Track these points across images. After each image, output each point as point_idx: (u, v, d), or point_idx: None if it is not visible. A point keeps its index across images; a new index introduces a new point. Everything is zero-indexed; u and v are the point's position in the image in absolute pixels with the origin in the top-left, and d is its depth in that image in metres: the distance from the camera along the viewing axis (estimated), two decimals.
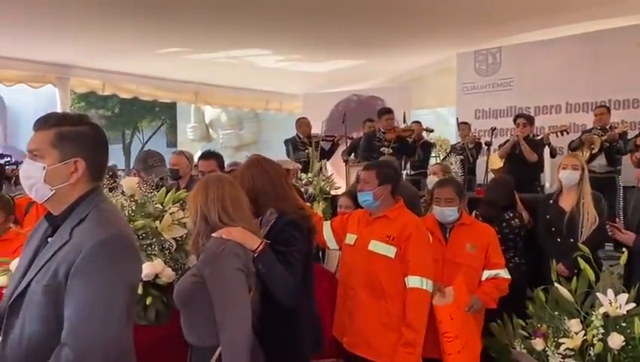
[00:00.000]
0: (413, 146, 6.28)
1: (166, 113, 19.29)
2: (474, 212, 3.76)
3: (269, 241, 2.09)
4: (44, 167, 1.54)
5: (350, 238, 2.76)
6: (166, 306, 2.34)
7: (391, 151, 5.86)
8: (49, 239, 1.61)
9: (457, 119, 7.39)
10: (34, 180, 1.55)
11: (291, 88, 9.47)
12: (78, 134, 1.58)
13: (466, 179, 6.27)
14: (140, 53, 6.62)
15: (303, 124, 6.67)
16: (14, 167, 5.18)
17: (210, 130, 15.90)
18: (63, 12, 5.19)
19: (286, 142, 6.62)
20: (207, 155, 3.85)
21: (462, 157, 6.36)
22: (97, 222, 1.55)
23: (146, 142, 20.91)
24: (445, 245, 2.97)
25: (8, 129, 7.15)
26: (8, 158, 5.17)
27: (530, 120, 5.68)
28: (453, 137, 7.62)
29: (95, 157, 1.61)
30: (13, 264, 2.16)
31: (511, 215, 3.68)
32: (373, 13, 6.02)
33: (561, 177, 3.60)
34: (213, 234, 1.98)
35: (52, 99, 6.98)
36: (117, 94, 7.39)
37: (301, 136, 6.59)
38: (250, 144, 14.63)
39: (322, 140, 6.26)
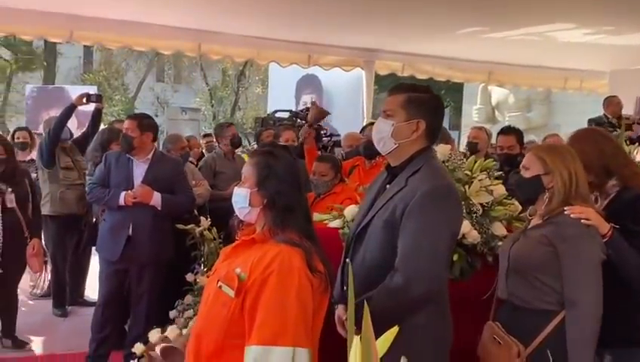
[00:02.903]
0: None
1: (452, 95, 19.57)
2: None
3: (617, 226, 2.03)
4: (392, 124, 1.86)
5: None
6: (469, 265, 2.51)
7: None
8: (387, 185, 1.93)
9: None
10: (383, 135, 1.88)
11: (596, 65, 8.57)
12: (422, 100, 1.86)
13: None
14: (439, 34, 6.89)
15: (612, 103, 6.08)
16: (329, 138, 6.06)
17: (496, 112, 15.49)
18: (372, 2, 5.77)
19: (589, 121, 6.11)
20: (508, 130, 3.92)
21: None
22: (429, 174, 1.81)
23: None
24: None
25: (324, 107, 8.28)
26: (325, 131, 6.07)
27: None
28: None
29: (433, 121, 1.87)
30: (347, 210, 2.60)
31: None
32: None
33: None
34: (567, 211, 1.98)
35: (359, 81, 7.82)
36: (414, 75, 7.85)
37: (609, 116, 5.99)
38: (539, 127, 13.76)
39: (637, 123, 5.58)
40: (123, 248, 3.57)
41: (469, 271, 2.51)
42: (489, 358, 2.07)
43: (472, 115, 16.08)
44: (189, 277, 3.32)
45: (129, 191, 3.57)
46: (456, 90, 17.63)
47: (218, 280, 1.74)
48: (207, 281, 1.96)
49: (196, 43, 6.62)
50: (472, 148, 4.28)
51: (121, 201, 3.55)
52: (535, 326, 1.96)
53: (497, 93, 14.83)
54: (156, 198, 3.57)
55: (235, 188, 1.86)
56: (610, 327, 1.90)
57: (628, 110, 6.57)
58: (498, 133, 4.05)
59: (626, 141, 5.23)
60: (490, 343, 2.08)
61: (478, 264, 2.50)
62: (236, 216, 1.88)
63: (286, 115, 6.52)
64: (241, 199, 1.80)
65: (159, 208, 3.57)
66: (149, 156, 3.67)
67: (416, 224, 1.74)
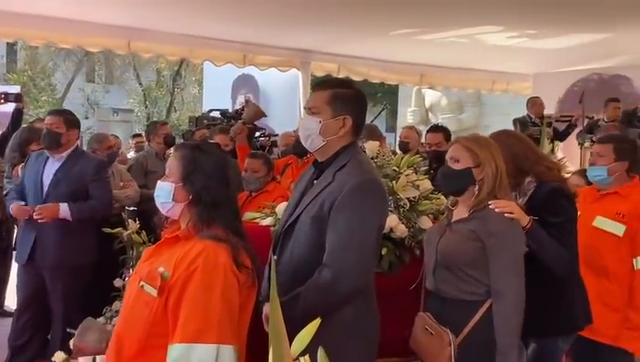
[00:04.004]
0: None
1: (388, 98, 19.98)
2: None
3: (536, 218, 2.11)
4: (320, 121, 1.86)
5: None
6: (398, 258, 2.56)
7: None
8: (315, 181, 1.94)
9: None
10: (311, 132, 1.88)
11: (520, 67, 9.00)
12: (347, 95, 1.87)
13: None
14: (373, 36, 7.01)
15: (535, 103, 6.41)
16: (267, 138, 6.03)
17: (430, 113, 15.95)
18: (309, 3, 5.80)
19: (514, 121, 6.41)
20: (435, 129, 4.05)
21: None
22: (356, 169, 1.83)
23: None
24: None
25: (261, 107, 8.23)
26: (263, 131, 6.03)
27: None
28: None
29: (359, 116, 1.89)
30: (279, 208, 2.59)
31: None
32: None
33: None
34: (492, 206, 2.03)
35: (295, 82, 7.84)
36: (350, 76, 7.94)
37: (532, 116, 6.30)
38: (470, 128, 14.27)
39: (556, 121, 5.91)
40: (30, 251, 3.40)
41: (398, 265, 2.55)
42: (421, 348, 2.11)
43: (407, 117, 16.51)
44: (117, 282, 3.19)
45: (24, 206, 3.40)
46: (391, 92, 18.00)
47: (140, 280, 1.69)
48: (128, 282, 1.90)
49: (125, 40, 6.41)
50: (404, 147, 4.40)
51: (11, 212, 3.42)
52: (464, 316, 2.02)
53: (431, 96, 15.27)
54: (64, 211, 3.36)
55: (159, 182, 1.79)
56: (534, 317, 1.99)
57: (550, 110, 6.95)
58: (427, 132, 4.19)
59: (548, 138, 5.53)
60: (422, 333, 2.12)
61: (407, 257, 2.55)
62: (160, 213, 1.83)
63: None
64: (164, 194, 1.75)
65: (70, 219, 3.41)
66: (64, 155, 3.48)
67: (344, 218, 1.76)
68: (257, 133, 5.88)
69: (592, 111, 6.42)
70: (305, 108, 1.93)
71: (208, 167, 1.75)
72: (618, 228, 2.46)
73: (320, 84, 1.94)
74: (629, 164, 2.54)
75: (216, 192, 1.73)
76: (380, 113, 22.76)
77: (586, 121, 6.19)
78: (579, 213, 2.57)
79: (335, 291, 1.74)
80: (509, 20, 6.50)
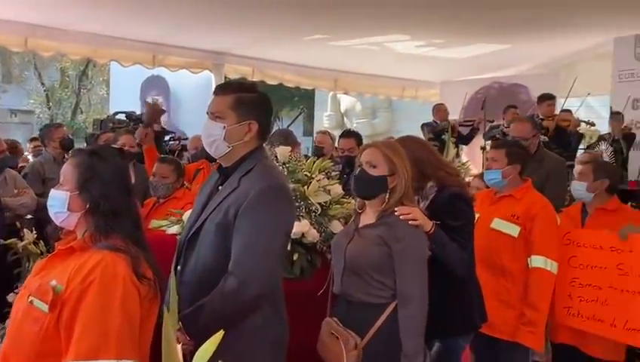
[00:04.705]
0: (569, 137, 5.95)
1: (305, 102, 20.14)
2: (629, 203, 3.55)
3: (438, 222, 2.17)
4: (224, 127, 1.81)
5: None
6: (310, 264, 2.56)
7: (547, 139, 5.60)
8: (220, 187, 1.89)
9: (611, 108, 6.84)
10: (215, 138, 1.83)
11: (428, 75, 9.40)
12: (252, 100, 1.84)
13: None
14: (288, 41, 7.03)
15: (440, 110, 6.70)
16: (177, 142, 5.85)
17: (345, 118, 16.26)
18: (223, 3, 5.71)
19: (422, 126, 6.67)
20: (348, 134, 4.11)
21: (613, 148, 5.91)
22: (262, 173, 1.80)
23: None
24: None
25: (172, 110, 7.97)
26: (172, 134, 5.85)
27: None
28: (604, 130, 7.07)
29: (264, 121, 1.86)
30: (186, 215, 2.51)
31: None
32: None
33: None
34: (397, 213, 2.07)
35: (208, 84, 7.68)
36: (264, 80, 7.91)
37: (438, 122, 6.58)
38: (383, 133, 14.71)
39: (460, 125, 6.21)
40: None
41: (310, 270, 2.56)
42: (327, 353, 2.11)
43: (323, 121, 16.71)
44: (10, 297, 2.95)
45: None
46: (308, 96, 18.16)
47: (29, 295, 1.56)
48: (16, 298, 1.75)
49: (22, 37, 5.97)
50: (318, 151, 4.44)
51: None
52: (369, 319, 2.04)
53: (346, 101, 15.58)
54: None
55: (52, 190, 1.67)
56: (436, 318, 2.06)
57: (455, 115, 7.31)
58: (339, 137, 4.25)
59: (453, 143, 5.79)
60: (328, 338, 2.13)
61: (319, 262, 2.56)
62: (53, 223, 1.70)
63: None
64: (58, 203, 1.63)
65: None
66: None
67: (249, 225, 1.72)
68: (167, 137, 5.70)
69: (492, 117, 6.81)
70: (207, 113, 1.86)
71: (106, 173, 1.65)
72: (513, 229, 2.61)
73: (222, 87, 1.87)
74: (521, 167, 2.71)
75: (115, 200, 1.63)
76: (297, 117, 22.87)
77: (487, 126, 6.55)
78: (478, 215, 2.71)
79: (241, 298, 1.70)
80: (415, 30, 6.77)
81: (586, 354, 2.76)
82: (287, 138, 4.24)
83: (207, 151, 1.92)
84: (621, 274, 2.57)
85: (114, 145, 3.80)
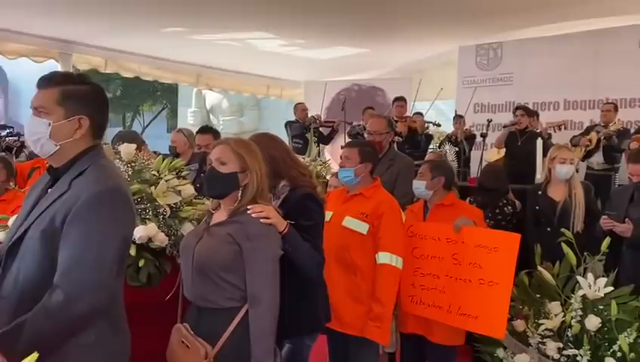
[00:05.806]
0: (419, 138, 6.38)
1: (167, 97, 19.32)
2: (467, 198, 3.85)
3: (292, 222, 2.14)
4: (49, 124, 1.61)
5: (327, 215, 2.83)
6: (158, 269, 2.41)
7: (401, 140, 5.92)
8: (49, 190, 1.69)
9: (455, 111, 7.46)
10: (39, 136, 1.62)
11: (293, 75, 9.52)
12: (81, 93, 1.65)
13: (460, 171, 6.36)
14: (143, 31, 6.65)
15: (299, 108, 6.84)
16: (16, 138, 5.24)
17: (211, 115, 15.90)
18: None
19: (286, 124, 6.73)
20: (204, 130, 3.98)
21: (457, 148, 6.45)
22: (96, 176, 1.64)
23: (147, 125, 20.93)
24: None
25: (10, 102, 7.16)
26: (10, 130, 5.24)
27: (528, 112, 5.79)
28: (451, 131, 7.69)
29: (98, 116, 1.68)
30: (12, 220, 2.23)
31: (504, 201, 3.75)
32: (376, 1, 6.06)
33: (559, 171, 3.63)
34: (250, 211, 2.00)
35: None
36: (119, 73, 7.43)
37: (300, 120, 6.68)
38: (251, 131, 14.62)
39: (321, 126, 6.35)
40: None
41: (158, 276, 2.41)
42: None
43: (187, 117, 16.16)
44: None
45: None
46: (171, 91, 17.46)
47: None
48: None
49: None
50: (172, 151, 4.24)
51: None
52: (221, 325, 1.97)
53: (212, 98, 15.22)
54: None
55: None
56: (286, 318, 2.04)
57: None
58: (196, 133, 4.09)
59: (315, 142, 5.91)
60: (178, 347, 2.01)
61: (168, 267, 2.42)
62: None
63: None
64: None
65: None
66: None
67: (79, 232, 1.54)
68: (4, 133, 5.10)
69: (352, 118, 7.08)
70: (31, 108, 1.65)
71: None
72: (362, 227, 2.69)
73: (47, 79, 1.65)
74: (372, 166, 2.82)
75: None
76: (159, 113, 21.86)
77: (347, 127, 6.79)
78: (331, 213, 2.76)
79: (68, 314, 1.52)
80: (278, 29, 6.79)
81: (431, 342, 2.93)
82: (134, 140, 3.98)
83: (33, 150, 1.71)
84: (455, 264, 2.78)
85: None
